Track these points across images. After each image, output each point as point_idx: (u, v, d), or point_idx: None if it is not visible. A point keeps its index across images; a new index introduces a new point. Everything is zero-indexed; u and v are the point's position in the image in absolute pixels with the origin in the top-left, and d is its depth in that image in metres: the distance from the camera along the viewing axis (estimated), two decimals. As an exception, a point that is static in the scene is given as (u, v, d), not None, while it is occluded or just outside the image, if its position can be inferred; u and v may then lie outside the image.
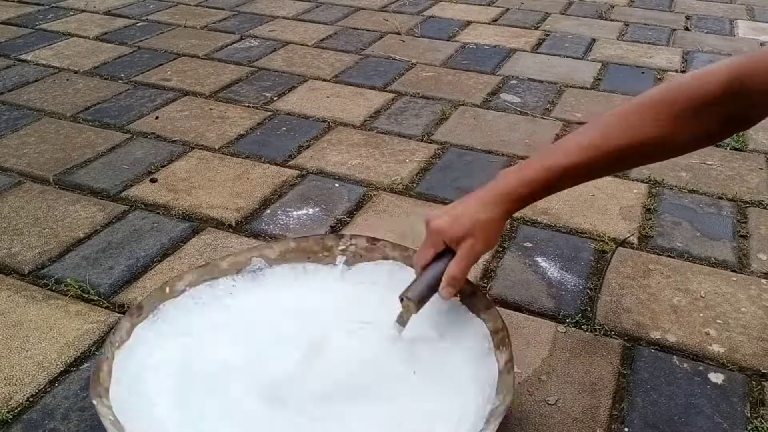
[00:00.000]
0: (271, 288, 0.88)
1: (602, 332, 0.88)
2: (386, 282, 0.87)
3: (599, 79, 1.70)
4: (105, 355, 0.75)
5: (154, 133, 1.38)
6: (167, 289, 0.84)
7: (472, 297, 0.82)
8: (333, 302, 0.86)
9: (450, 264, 0.77)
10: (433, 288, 0.77)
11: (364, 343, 0.80)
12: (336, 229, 1.08)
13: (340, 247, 0.91)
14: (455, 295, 0.79)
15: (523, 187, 0.75)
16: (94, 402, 0.69)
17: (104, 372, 0.74)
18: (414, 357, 0.79)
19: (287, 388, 0.74)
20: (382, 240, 0.90)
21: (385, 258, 0.90)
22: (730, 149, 1.36)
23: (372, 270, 0.89)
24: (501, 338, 0.76)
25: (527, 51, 1.89)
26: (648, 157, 0.78)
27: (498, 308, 0.81)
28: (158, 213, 1.12)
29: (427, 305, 0.79)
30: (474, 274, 0.97)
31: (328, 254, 0.91)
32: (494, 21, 2.16)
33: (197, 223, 1.09)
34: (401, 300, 0.77)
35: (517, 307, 0.93)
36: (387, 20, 2.12)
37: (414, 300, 0.77)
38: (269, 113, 1.48)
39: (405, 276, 0.85)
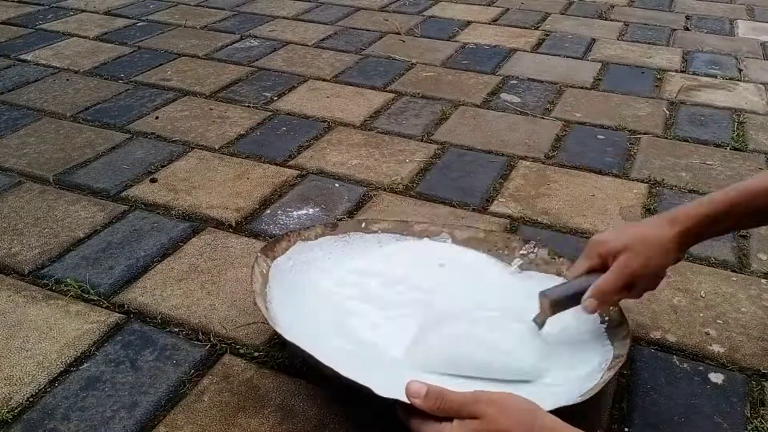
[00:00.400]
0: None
1: (602, 332, 0.88)
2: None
3: (599, 79, 1.70)
4: (288, 237, 0.87)
5: (154, 133, 1.38)
6: (363, 224, 0.96)
7: (617, 328, 0.81)
8: (491, 294, 0.89)
9: (603, 275, 0.72)
10: (575, 297, 0.74)
11: (500, 330, 0.81)
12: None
13: (522, 252, 0.93)
14: (602, 312, 0.75)
15: (702, 207, 0.70)
16: (259, 254, 0.81)
17: (281, 246, 0.86)
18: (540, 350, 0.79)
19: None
20: (563, 258, 0.91)
21: (559, 274, 0.90)
22: (730, 149, 1.36)
23: (541, 281, 0.88)
24: (615, 362, 0.75)
25: (527, 51, 1.89)
26: None
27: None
28: (158, 213, 1.12)
29: (573, 323, 0.80)
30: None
31: (508, 253, 0.94)
32: (494, 21, 2.16)
33: (197, 223, 1.09)
34: (539, 296, 0.76)
35: (517, 307, 0.92)
36: (387, 20, 2.12)
37: (549, 298, 0.75)
38: (269, 113, 1.48)
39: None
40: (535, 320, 0.77)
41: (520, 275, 0.92)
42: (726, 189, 0.73)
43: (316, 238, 0.91)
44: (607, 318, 0.84)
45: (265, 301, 0.79)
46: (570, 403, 0.67)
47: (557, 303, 0.76)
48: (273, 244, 0.86)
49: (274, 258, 0.85)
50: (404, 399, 0.61)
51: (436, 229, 0.98)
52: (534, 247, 0.94)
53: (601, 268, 0.74)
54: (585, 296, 0.72)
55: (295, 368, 0.81)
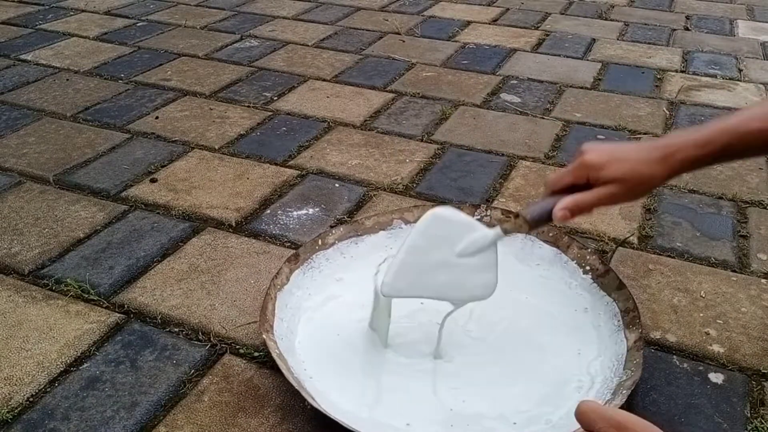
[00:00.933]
0: None
1: (602, 332, 0.88)
2: (516, 254, 0.95)
3: (599, 79, 1.70)
4: (270, 296, 0.85)
5: (154, 133, 1.38)
6: (320, 242, 0.96)
7: (605, 276, 0.87)
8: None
9: (584, 193, 0.70)
10: (551, 215, 0.73)
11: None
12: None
13: (476, 216, 0.96)
14: (567, 220, 0.74)
15: (698, 149, 0.69)
16: (264, 336, 0.79)
17: (269, 311, 0.84)
18: (542, 322, 0.85)
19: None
20: (518, 214, 0.92)
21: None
22: (730, 149, 1.36)
23: (504, 241, 0.92)
24: (632, 318, 0.81)
25: (527, 51, 1.89)
26: None
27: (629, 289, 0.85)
28: (158, 213, 1.12)
29: (563, 283, 0.86)
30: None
31: None
32: (494, 21, 2.16)
33: (197, 223, 1.09)
34: (515, 216, 0.75)
35: (517, 307, 0.93)
36: (387, 20, 2.12)
37: (527, 216, 0.73)
38: (269, 113, 1.48)
39: (536, 250, 0.94)
40: (504, 229, 0.75)
41: None
42: (722, 125, 0.70)
43: (288, 279, 0.90)
44: (588, 268, 0.89)
45: (308, 392, 0.75)
46: (634, 382, 0.72)
47: (535, 221, 0.74)
48: (263, 313, 0.83)
49: (272, 327, 0.83)
50: None
51: (386, 218, 1.01)
52: (486, 210, 0.98)
53: (584, 186, 0.72)
54: (559, 206, 0.70)
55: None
